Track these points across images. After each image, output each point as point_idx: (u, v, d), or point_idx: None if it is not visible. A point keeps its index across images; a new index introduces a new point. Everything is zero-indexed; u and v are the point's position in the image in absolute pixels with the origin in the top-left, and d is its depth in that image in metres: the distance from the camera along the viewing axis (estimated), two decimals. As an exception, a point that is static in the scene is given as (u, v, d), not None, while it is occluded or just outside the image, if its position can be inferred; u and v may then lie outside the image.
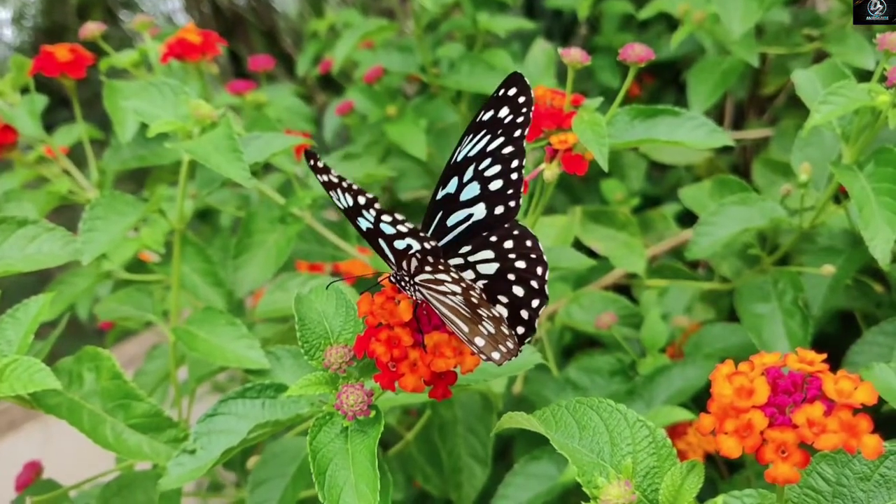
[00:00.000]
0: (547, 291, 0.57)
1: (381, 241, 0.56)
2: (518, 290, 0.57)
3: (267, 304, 0.95)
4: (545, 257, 0.57)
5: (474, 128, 0.60)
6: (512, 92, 0.59)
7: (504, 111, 0.59)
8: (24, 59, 1.02)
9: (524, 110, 0.59)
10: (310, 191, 1.11)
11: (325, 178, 0.54)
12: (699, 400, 0.99)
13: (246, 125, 1.11)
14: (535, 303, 0.57)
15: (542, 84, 1.39)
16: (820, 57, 1.25)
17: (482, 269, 0.58)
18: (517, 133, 0.59)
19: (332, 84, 2.04)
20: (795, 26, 1.29)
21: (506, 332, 0.53)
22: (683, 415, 0.86)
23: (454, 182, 0.60)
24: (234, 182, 0.76)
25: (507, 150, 0.59)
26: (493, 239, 0.58)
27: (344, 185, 0.53)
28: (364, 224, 0.56)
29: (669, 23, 1.61)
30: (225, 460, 0.64)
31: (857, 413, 0.41)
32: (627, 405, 0.93)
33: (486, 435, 0.99)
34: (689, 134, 0.81)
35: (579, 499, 0.49)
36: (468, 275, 0.58)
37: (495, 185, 0.59)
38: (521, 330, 0.57)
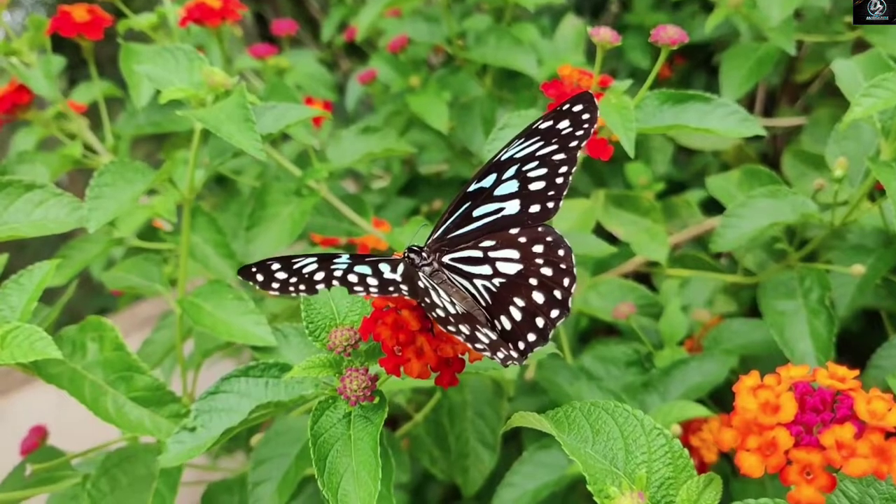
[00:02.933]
0: (570, 304, 0.55)
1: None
2: (538, 297, 0.55)
3: (278, 278, 0.93)
4: (575, 270, 0.55)
5: (528, 134, 0.58)
6: (577, 108, 0.58)
7: (564, 123, 0.58)
8: (41, 19, 1.00)
9: (586, 126, 0.58)
10: (327, 163, 1.09)
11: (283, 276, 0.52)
12: (716, 395, 0.96)
13: (264, 91, 1.08)
14: (554, 313, 0.55)
15: (570, 61, 1.36)
16: (859, 45, 1.20)
17: (502, 267, 0.57)
18: (573, 143, 0.58)
19: (358, 50, 2.01)
20: (835, 13, 1.25)
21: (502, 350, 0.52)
22: (699, 411, 0.84)
23: (492, 178, 0.59)
24: (248, 150, 0.74)
25: (559, 156, 0.58)
26: (522, 240, 0.57)
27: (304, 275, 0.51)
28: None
29: (704, 3, 1.56)
30: (226, 440, 0.62)
31: (889, 437, 0.39)
32: (642, 398, 0.92)
33: (496, 420, 0.97)
34: (719, 121, 0.78)
35: (587, 490, 0.47)
36: (485, 269, 0.57)
37: (536, 185, 0.58)
38: (532, 337, 0.55)
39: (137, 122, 0.99)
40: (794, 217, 0.86)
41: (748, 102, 1.59)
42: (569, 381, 0.99)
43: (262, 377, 0.64)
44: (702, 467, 0.89)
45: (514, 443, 1.13)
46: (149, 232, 1.07)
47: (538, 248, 0.56)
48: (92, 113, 1.19)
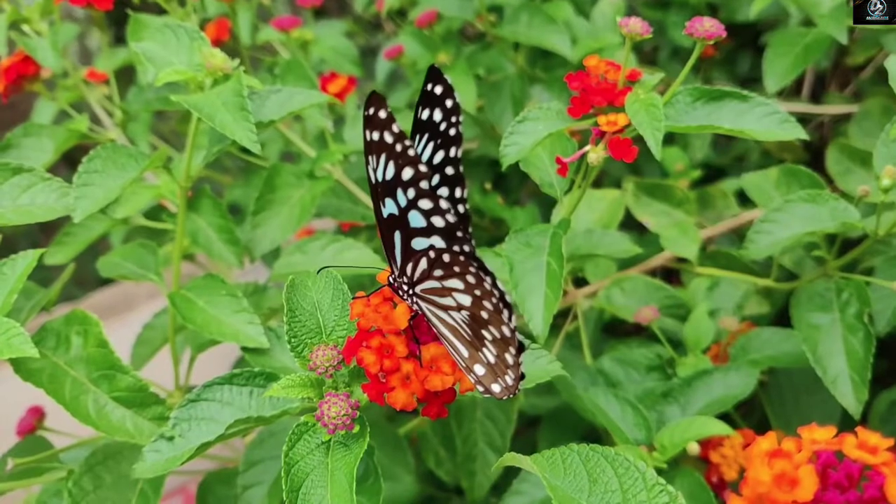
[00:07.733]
0: (518, 339, 0.49)
1: (398, 234, 0.49)
2: (495, 332, 0.49)
3: (283, 266, 0.89)
4: (508, 297, 0.47)
5: (417, 128, 0.51)
6: (438, 90, 0.50)
7: (438, 114, 0.50)
8: (51, -14, 0.96)
9: (454, 120, 0.50)
10: (343, 144, 1.04)
11: (376, 135, 0.45)
12: (742, 406, 0.91)
13: (279, 69, 1.03)
14: (512, 350, 0.49)
15: (606, 41, 1.29)
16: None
17: (460, 298, 0.49)
18: (453, 153, 0.50)
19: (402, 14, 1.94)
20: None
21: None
22: (721, 428, 0.78)
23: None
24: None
25: (450, 170, 0.51)
26: (456, 269, 0.48)
27: (398, 148, 0.45)
28: (390, 208, 0.48)
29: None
30: (203, 452, 0.59)
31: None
32: (661, 409, 0.87)
33: (506, 423, 0.93)
34: (756, 122, 0.71)
35: None
36: (448, 301, 0.49)
37: (451, 216, 0.49)
38: (511, 374, 0.49)
39: (146, 98, 0.95)
40: (835, 225, 0.80)
41: (795, 85, 1.51)
42: (585, 383, 0.94)
43: (247, 386, 0.60)
44: (721, 485, 0.84)
45: (525, 445, 1.09)
46: (157, 210, 1.04)
47: (470, 279, 0.48)
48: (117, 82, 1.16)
